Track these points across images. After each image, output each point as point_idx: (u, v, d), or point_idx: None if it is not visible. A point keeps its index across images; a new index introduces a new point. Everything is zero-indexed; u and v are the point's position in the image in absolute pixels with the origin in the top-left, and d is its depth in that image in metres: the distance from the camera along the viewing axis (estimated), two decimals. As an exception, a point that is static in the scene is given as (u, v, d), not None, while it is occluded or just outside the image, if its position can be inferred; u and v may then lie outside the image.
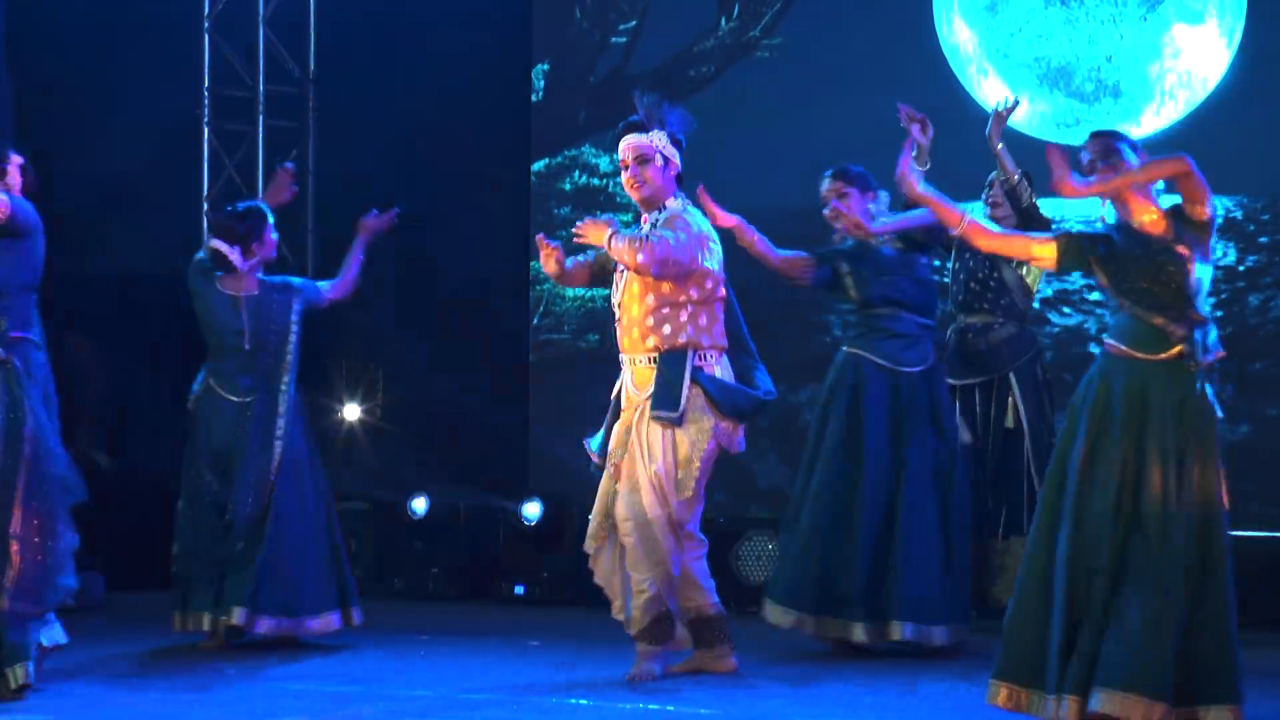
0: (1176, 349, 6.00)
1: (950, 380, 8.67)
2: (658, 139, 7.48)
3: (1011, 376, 8.82)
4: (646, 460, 7.38)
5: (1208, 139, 9.86)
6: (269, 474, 8.65)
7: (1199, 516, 6.00)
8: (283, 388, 8.76)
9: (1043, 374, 8.89)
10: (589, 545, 7.54)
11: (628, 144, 7.50)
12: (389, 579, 11.03)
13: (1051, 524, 6.06)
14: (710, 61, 11.10)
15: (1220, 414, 6.08)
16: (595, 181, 11.22)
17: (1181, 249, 6.01)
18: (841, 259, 8.34)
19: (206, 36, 12.05)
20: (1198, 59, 9.96)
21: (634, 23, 11.32)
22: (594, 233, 7.37)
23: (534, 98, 11.58)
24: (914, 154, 8.08)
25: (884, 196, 8.30)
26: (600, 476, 7.60)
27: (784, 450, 10.71)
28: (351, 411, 11.88)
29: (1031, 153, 10.00)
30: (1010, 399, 8.81)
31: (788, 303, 10.78)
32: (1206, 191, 5.99)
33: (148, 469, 10.96)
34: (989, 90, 10.34)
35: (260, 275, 8.83)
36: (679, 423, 7.36)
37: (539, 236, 7.61)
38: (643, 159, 7.46)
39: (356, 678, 7.69)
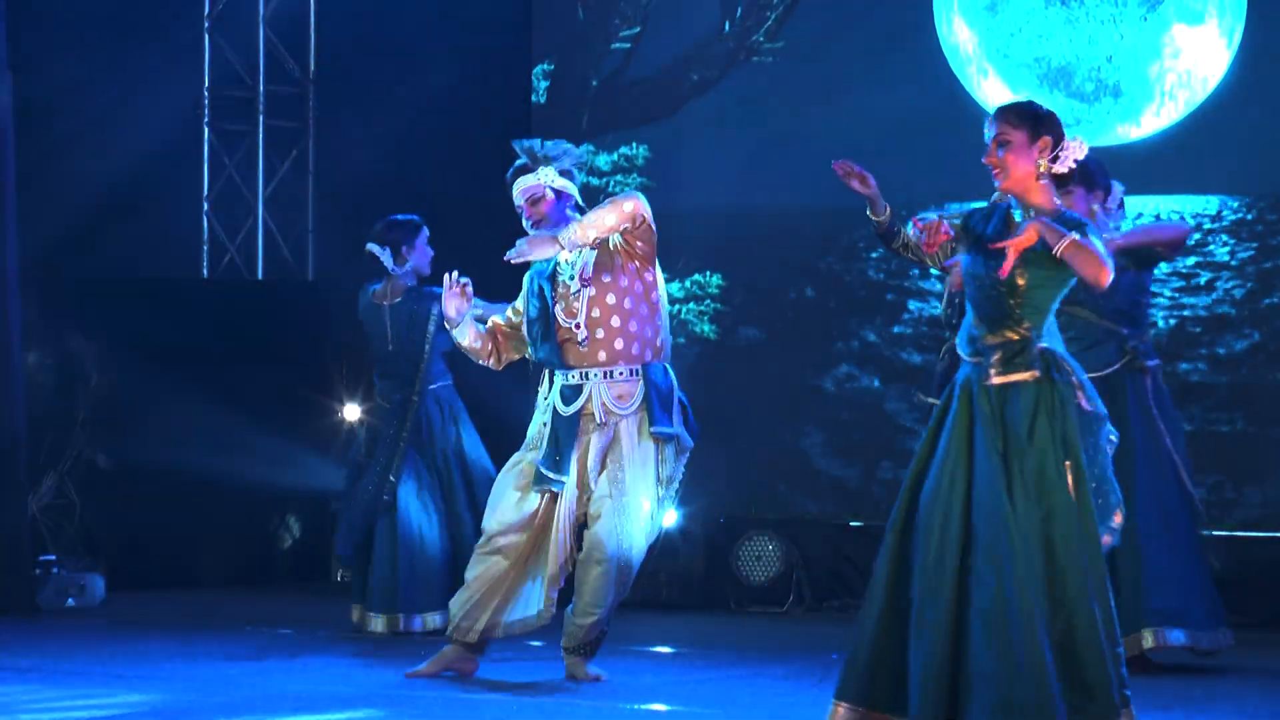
0: (979, 357, 5.76)
1: (938, 401, 8.61)
2: (545, 175, 7.49)
3: None
4: (643, 483, 7.33)
5: (1208, 139, 9.86)
6: (385, 480, 8.98)
7: (1038, 525, 5.60)
8: (415, 397, 9.05)
9: None
10: (495, 554, 7.42)
11: (518, 189, 7.50)
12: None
13: (901, 532, 5.78)
14: (713, 65, 11.09)
15: (1086, 411, 5.72)
16: (595, 181, 11.22)
17: (1018, 266, 5.65)
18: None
19: (206, 36, 12.07)
20: (1198, 59, 9.95)
21: (637, 29, 11.31)
22: (540, 249, 7.31)
23: (535, 99, 11.57)
24: (869, 207, 8.07)
25: (1118, 189, 7.90)
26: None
27: (837, 442, 10.72)
28: (352, 412, 11.87)
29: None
30: None
31: (800, 303, 10.79)
32: (1105, 269, 5.54)
33: (148, 469, 10.96)
34: (989, 90, 10.34)
35: (411, 283, 9.08)
36: (673, 439, 7.35)
37: (450, 275, 7.44)
38: (533, 199, 7.47)
39: (357, 678, 7.69)
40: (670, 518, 9.83)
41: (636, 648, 8.40)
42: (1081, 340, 7.79)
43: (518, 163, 7.55)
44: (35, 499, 10.47)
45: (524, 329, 7.54)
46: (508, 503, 7.44)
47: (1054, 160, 5.71)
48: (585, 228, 7.26)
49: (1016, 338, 5.71)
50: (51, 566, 10.09)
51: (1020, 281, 5.68)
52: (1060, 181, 5.81)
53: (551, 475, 7.33)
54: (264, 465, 11.26)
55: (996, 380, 5.72)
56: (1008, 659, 5.48)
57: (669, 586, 10.11)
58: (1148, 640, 7.57)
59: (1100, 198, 7.71)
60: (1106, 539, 5.72)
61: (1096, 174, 7.68)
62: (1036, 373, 5.70)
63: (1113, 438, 5.82)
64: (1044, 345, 5.74)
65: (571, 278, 7.38)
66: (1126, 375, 7.88)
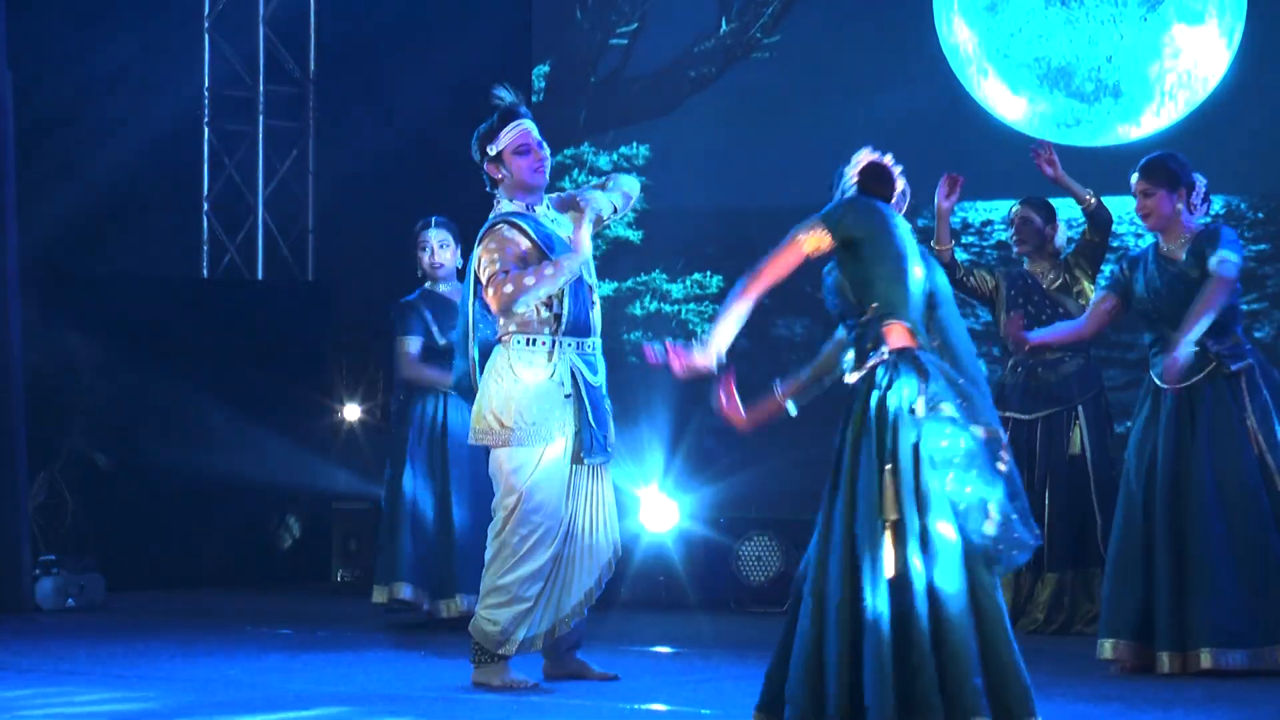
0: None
1: (1018, 415, 8.73)
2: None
3: (1080, 409, 8.82)
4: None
5: (1208, 139, 9.85)
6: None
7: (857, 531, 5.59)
8: (401, 395, 9.19)
9: (1107, 406, 8.88)
10: (552, 565, 7.12)
11: (527, 129, 7.20)
12: (389, 579, 11.02)
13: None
14: (711, 62, 11.10)
15: (912, 415, 5.52)
16: (595, 180, 11.22)
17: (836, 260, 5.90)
18: (1125, 262, 7.76)
19: (207, 36, 12.08)
20: (1198, 59, 9.95)
21: (635, 25, 11.33)
22: (584, 224, 7.18)
23: (535, 98, 11.59)
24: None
25: (1200, 182, 7.71)
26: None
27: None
28: (352, 412, 11.89)
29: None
30: (1076, 430, 8.81)
31: (801, 302, 10.80)
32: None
33: (150, 469, 10.97)
34: (989, 90, 10.35)
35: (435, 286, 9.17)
36: None
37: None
38: (541, 142, 7.25)
39: (356, 678, 7.69)
40: (671, 518, 9.84)
41: (636, 648, 8.40)
42: (1167, 354, 7.52)
43: (513, 104, 7.29)
44: (30, 498, 10.47)
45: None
46: (555, 500, 7.09)
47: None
48: (616, 201, 7.30)
49: (865, 327, 5.76)
50: (51, 566, 10.09)
51: (844, 276, 5.84)
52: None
53: (610, 447, 7.15)
54: (264, 465, 11.28)
55: (851, 378, 5.78)
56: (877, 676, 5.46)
57: (669, 586, 10.11)
58: (1205, 660, 7.33)
59: (1184, 195, 7.52)
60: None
61: (1178, 172, 7.56)
62: (883, 358, 5.67)
63: (998, 437, 5.69)
64: (901, 346, 5.69)
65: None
66: (1208, 385, 7.53)
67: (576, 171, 11.40)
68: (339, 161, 12.14)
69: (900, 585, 5.50)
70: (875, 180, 5.97)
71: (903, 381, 5.64)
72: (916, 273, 5.81)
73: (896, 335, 5.72)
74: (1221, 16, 9.91)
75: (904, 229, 5.88)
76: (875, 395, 5.66)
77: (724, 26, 11.05)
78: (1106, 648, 7.58)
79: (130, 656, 8.27)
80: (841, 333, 5.96)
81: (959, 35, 10.44)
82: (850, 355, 5.79)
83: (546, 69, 11.60)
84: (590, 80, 11.45)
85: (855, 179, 5.97)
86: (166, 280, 11.80)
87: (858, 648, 5.50)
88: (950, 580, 5.51)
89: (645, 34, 11.31)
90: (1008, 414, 8.59)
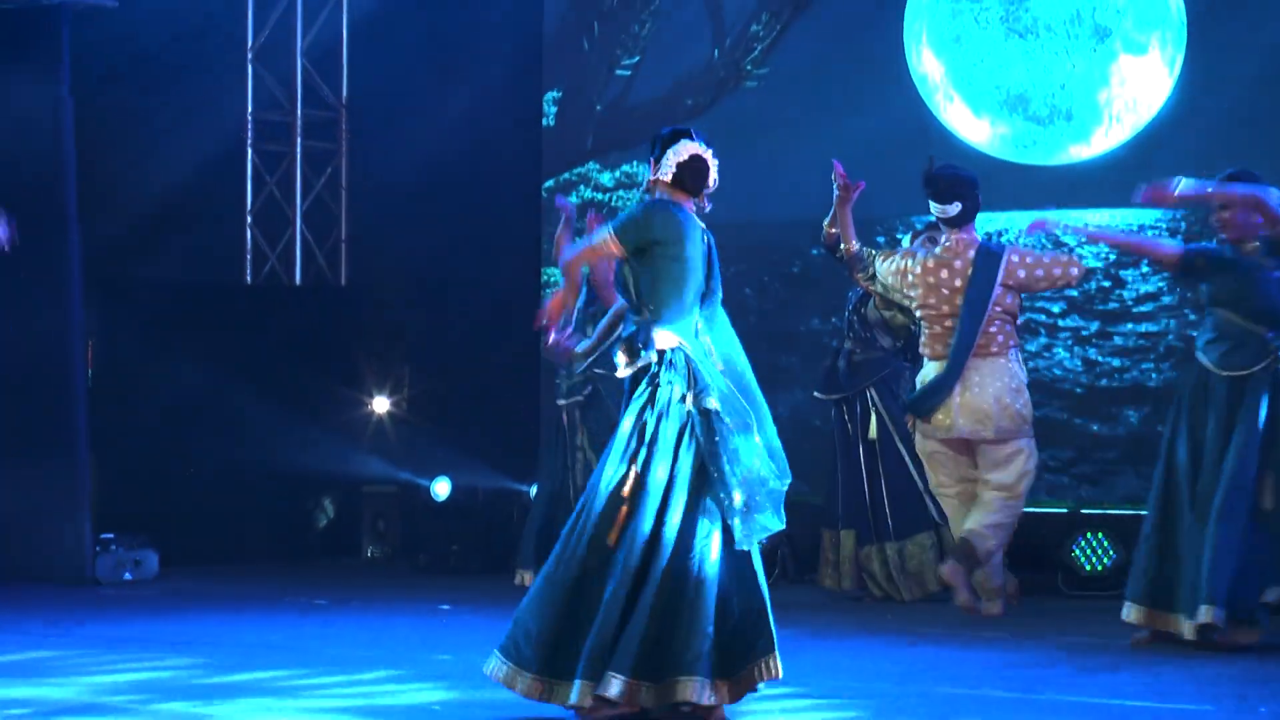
0: None
1: (820, 395, 9.16)
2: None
3: (871, 392, 9.00)
4: None
5: (1151, 159, 9.91)
6: None
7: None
8: None
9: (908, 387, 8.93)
10: None
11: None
12: (414, 555, 11.09)
13: None
14: (705, 91, 11.15)
15: (703, 411, 5.69)
16: (600, 196, 11.29)
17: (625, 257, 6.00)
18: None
19: (250, 67, 12.11)
20: (1142, 86, 10.03)
21: (637, 58, 11.40)
22: None
23: (545, 122, 11.66)
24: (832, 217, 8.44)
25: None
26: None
27: (820, 434, 10.79)
28: (381, 404, 11.92)
29: (993, 171, 10.09)
30: (874, 412, 8.99)
31: (789, 305, 10.88)
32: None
33: (199, 457, 11.04)
34: (954, 115, 10.42)
35: None
36: None
37: None
38: None
39: (384, 642, 7.76)
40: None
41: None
42: (1225, 341, 7.38)
43: None
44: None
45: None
46: None
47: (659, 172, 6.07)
48: None
49: (640, 325, 5.80)
50: (110, 544, 10.18)
51: (626, 273, 5.87)
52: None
53: None
54: (301, 452, 11.31)
55: (623, 372, 5.79)
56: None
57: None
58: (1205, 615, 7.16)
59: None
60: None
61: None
62: (651, 359, 5.75)
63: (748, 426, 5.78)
64: (667, 347, 5.77)
65: None
66: (1265, 376, 7.31)
67: (583, 188, 11.46)
68: (369, 178, 12.17)
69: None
70: (692, 174, 6.08)
71: (671, 377, 5.69)
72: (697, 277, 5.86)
73: (664, 338, 5.78)
74: (1164, 48, 9.98)
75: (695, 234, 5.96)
76: (649, 388, 5.71)
77: (716, 58, 11.12)
78: (1133, 612, 7.39)
79: (182, 624, 8.34)
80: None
81: (927, 65, 10.53)
82: (623, 349, 5.81)
83: (556, 95, 11.67)
84: (596, 107, 11.51)
85: (670, 171, 6.04)
86: (213, 286, 11.86)
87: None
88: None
89: (646, 65, 11.36)
90: (823, 397, 9.16)
